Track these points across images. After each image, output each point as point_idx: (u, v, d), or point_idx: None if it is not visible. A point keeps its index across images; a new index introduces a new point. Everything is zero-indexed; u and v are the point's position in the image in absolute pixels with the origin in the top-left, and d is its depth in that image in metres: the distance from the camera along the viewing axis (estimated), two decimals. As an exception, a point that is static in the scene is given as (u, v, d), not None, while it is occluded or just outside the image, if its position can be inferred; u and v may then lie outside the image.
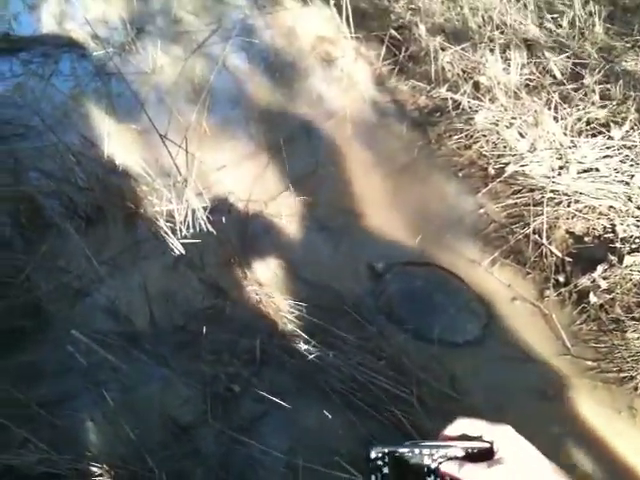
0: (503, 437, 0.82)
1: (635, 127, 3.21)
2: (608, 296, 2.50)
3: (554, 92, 3.48)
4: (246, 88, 4.11)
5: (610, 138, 3.18)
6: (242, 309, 2.65)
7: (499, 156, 3.22)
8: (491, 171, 3.17)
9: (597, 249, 2.71)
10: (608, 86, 3.50)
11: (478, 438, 0.85)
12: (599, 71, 3.58)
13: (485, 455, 0.82)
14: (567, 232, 2.82)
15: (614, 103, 3.38)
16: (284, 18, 4.95)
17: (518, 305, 2.57)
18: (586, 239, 2.78)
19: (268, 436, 2.19)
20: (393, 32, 4.27)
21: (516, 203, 2.98)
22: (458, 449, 0.83)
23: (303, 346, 2.42)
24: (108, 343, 2.38)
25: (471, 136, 3.37)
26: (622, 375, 2.27)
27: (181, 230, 2.81)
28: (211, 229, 2.85)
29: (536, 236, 2.74)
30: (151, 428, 2.20)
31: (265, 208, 3.13)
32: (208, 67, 4.26)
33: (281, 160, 3.34)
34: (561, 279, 2.61)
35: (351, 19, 4.35)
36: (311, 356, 2.36)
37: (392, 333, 2.47)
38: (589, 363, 2.33)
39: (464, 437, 0.85)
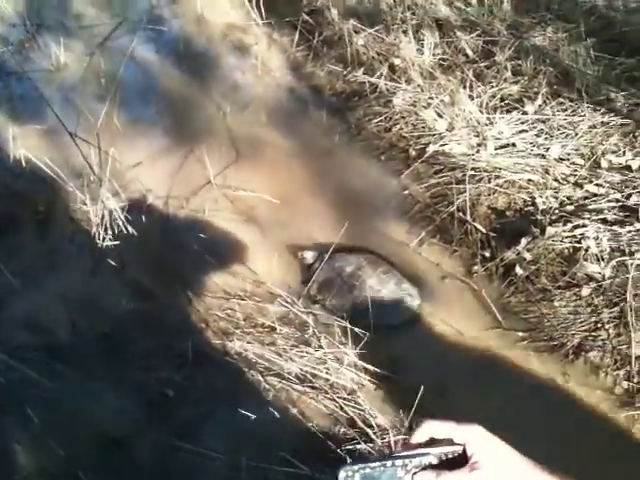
0: (475, 438, 0.78)
1: (547, 101, 3.29)
2: (533, 267, 2.55)
3: (468, 70, 3.52)
4: (157, 81, 3.97)
5: (524, 113, 3.24)
6: (170, 310, 2.56)
7: (419, 137, 3.23)
8: (412, 152, 3.17)
9: (519, 223, 2.75)
10: (519, 62, 3.56)
11: (448, 441, 0.80)
12: (509, 47, 3.64)
13: (459, 460, 0.78)
14: (489, 208, 2.85)
15: (526, 78, 3.45)
16: (192, 6, 4.78)
17: (448, 283, 2.59)
18: (508, 213, 2.82)
19: (209, 439, 2.12)
20: (305, 17, 4.22)
21: (439, 183, 2.99)
22: (432, 456, 0.77)
23: (237, 343, 2.35)
24: (28, 358, 2.24)
25: (390, 118, 3.37)
26: (553, 343, 2.32)
27: (99, 232, 2.68)
28: (131, 229, 2.72)
29: (460, 214, 2.77)
30: (82, 444, 2.09)
31: (186, 204, 3.03)
32: (116, 61, 4.07)
33: (200, 153, 3.25)
34: (487, 254, 2.65)
35: (262, 5, 4.28)
36: (246, 352, 2.30)
37: (328, 321, 2.43)
38: (520, 334, 2.38)
39: (434, 442, 0.81)
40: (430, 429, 0.79)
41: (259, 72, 3.97)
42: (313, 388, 2.21)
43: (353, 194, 3.03)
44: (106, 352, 2.37)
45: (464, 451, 0.77)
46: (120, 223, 2.70)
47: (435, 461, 0.77)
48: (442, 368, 2.29)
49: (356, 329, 2.39)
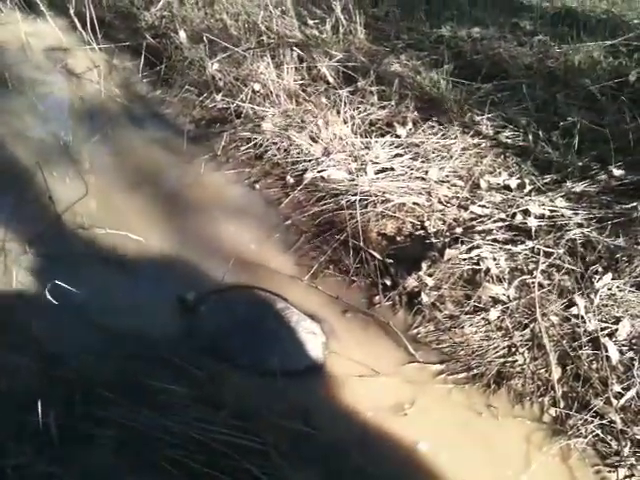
0: None
1: (418, 124, 3.23)
2: (437, 293, 2.40)
3: (332, 95, 3.39)
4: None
5: (397, 137, 3.15)
6: (22, 378, 2.04)
7: (294, 163, 3.01)
8: (290, 180, 2.94)
9: (413, 248, 2.61)
10: (382, 87, 3.49)
11: None
12: (370, 74, 3.56)
13: None
14: (379, 234, 2.68)
15: (392, 103, 3.38)
16: (12, 32, 4.23)
17: (351, 317, 2.35)
18: (398, 239, 2.67)
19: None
20: (150, 41, 3.87)
21: (322, 210, 2.78)
22: None
23: (116, 411, 1.91)
24: None
25: (260, 145, 3.11)
26: (472, 373, 2.15)
27: None
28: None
29: (353, 241, 2.56)
30: None
31: (30, 247, 2.53)
32: None
33: (40, 186, 2.76)
34: (388, 283, 2.45)
35: (97, 29, 3.87)
36: (131, 423, 1.87)
37: (225, 374, 2.07)
38: (437, 367, 2.19)
39: None
40: None
41: (102, 97, 3.54)
42: (220, 457, 1.83)
43: (230, 227, 2.71)
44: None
45: None
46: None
47: None
48: (360, 415, 2.02)
49: (260, 379, 2.07)
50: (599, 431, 1.96)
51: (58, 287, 2.28)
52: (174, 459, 1.82)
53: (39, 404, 1.85)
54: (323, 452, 1.90)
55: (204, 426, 1.88)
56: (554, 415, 2.03)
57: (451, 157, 3.03)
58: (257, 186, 2.94)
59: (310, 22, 4.02)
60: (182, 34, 3.80)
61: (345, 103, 3.28)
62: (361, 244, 2.55)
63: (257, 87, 3.46)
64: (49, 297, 2.24)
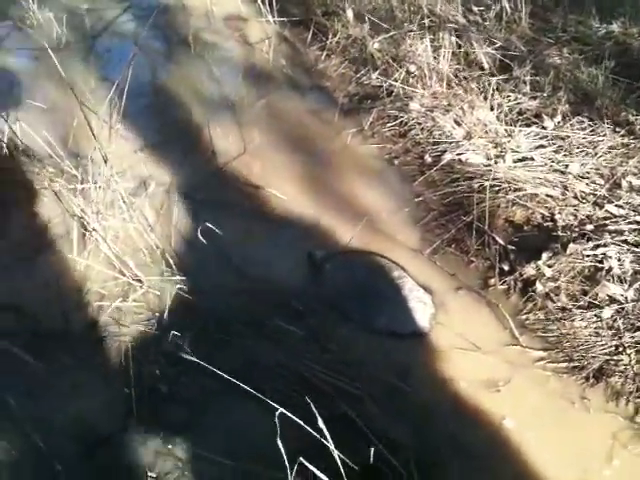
0: None
1: (567, 118, 3.21)
2: (553, 284, 2.44)
3: (484, 82, 3.44)
4: (164, 69, 3.83)
5: (543, 128, 3.16)
6: (167, 302, 2.40)
7: (435, 144, 3.13)
8: (427, 159, 3.06)
9: (538, 238, 2.65)
10: (537, 78, 3.49)
11: None
12: (526, 63, 3.56)
13: None
14: (506, 221, 2.75)
15: (544, 95, 3.37)
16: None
17: (463, 294, 2.46)
18: (526, 228, 2.72)
19: (201, 440, 1.96)
20: (319, 17, 4.12)
21: (454, 191, 2.88)
22: None
23: (239, 341, 2.20)
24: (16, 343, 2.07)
25: (405, 123, 3.26)
26: (573, 365, 2.20)
27: (99, 212, 2.51)
28: (133, 213, 2.56)
29: (478, 224, 2.65)
30: (66, 437, 1.92)
31: (191, 193, 2.88)
32: (122, 46, 3.96)
33: (206, 142, 3.11)
34: (505, 268, 2.53)
35: (274, 3, 4.17)
36: (248, 351, 2.15)
37: (337, 324, 2.29)
38: (539, 353, 2.25)
39: None
40: None
41: (269, 68, 3.85)
42: (319, 394, 2.05)
43: (364, 197, 2.90)
44: (97, 341, 2.21)
45: None
46: (123, 205, 2.53)
47: None
48: (455, 383, 2.15)
49: (367, 334, 2.26)
50: (694, 441, 1.95)
51: (208, 229, 2.61)
52: (280, 389, 2.07)
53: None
54: (415, 409, 2.06)
55: (309, 364, 2.11)
56: (648, 418, 2.04)
57: (596, 154, 2.99)
58: (396, 162, 3.10)
59: (475, 9, 4.06)
60: (349, 12, 4.01)
61: (495, 90, 3.33)
62: (485, 228, 2.64)
63: (412, 68, 3.59)
64: (200, 237, 2.57)
